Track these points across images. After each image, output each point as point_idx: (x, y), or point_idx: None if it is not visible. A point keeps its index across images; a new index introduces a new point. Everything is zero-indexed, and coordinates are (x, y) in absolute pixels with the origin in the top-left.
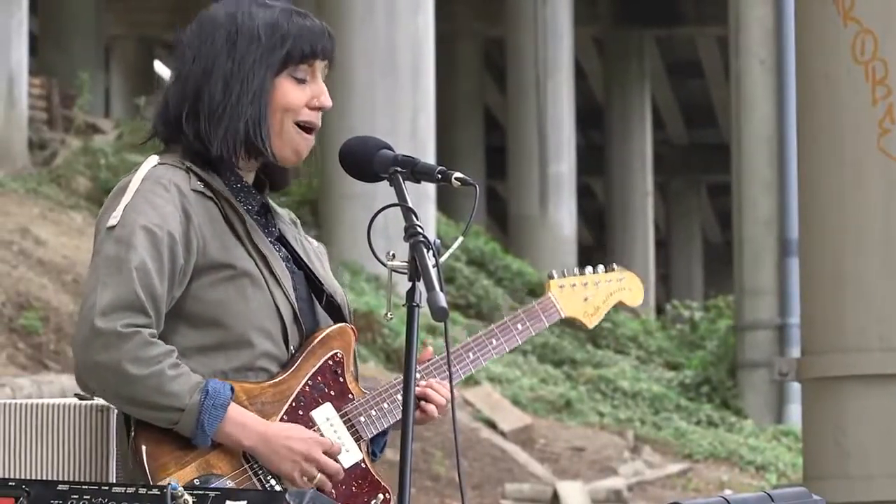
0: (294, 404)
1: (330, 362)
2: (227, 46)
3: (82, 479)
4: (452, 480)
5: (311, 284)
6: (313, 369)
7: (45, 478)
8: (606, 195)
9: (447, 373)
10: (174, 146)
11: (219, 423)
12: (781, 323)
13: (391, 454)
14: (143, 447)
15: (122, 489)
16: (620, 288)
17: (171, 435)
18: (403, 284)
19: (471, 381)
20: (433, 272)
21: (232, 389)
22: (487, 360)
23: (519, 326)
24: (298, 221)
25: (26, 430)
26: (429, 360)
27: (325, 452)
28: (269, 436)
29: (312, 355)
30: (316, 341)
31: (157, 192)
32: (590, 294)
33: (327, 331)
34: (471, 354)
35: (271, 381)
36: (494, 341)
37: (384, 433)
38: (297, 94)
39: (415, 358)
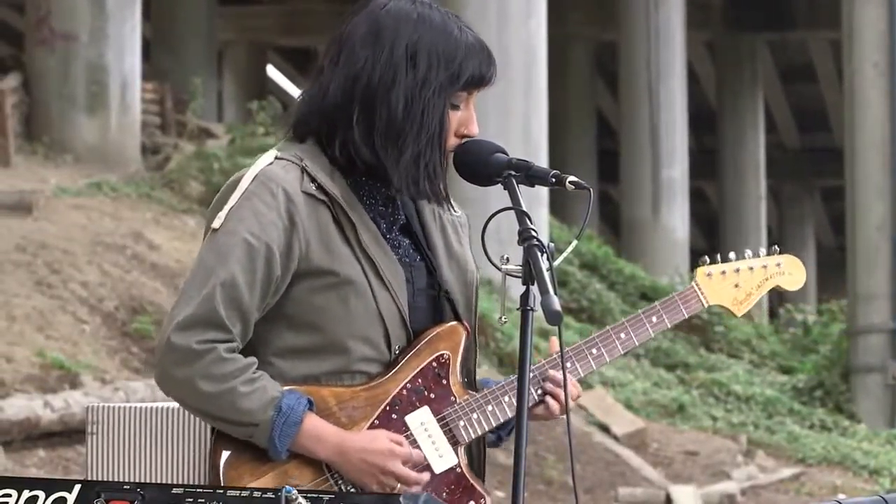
0: (388, 408)
1: (434, 364)
2: (406, 62)
3: (196, 483)
4: (565, 484)
5: (433, 274)
6: (414, 372)
7: (159, 481)
8: (719, 199)
9: (572, 367)
10: (306, 138)
11: (291, 440)
12: (895, 327)
13: (504, 458)
14: (223, 454)
15: (237, 493)
16: (778, 272)
17: (251, 444)
18: (517, 288)
19: (584, 385)
20: (547, 276)
21: (310, 403)
22: (615, 356)
23: (654, 319)
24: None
25: (140, 434)
26: (555, 353)
27: (404, 463)
28: (345, 448)
29: (416, 357)
30: (423, 342)
31: (262, 196)
32: (741, 280)
33: (436, 330)
34: (594, 350)
35: (367, 385)
36: (623, 335)
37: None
38: (451, 122)
39: (529, 361)
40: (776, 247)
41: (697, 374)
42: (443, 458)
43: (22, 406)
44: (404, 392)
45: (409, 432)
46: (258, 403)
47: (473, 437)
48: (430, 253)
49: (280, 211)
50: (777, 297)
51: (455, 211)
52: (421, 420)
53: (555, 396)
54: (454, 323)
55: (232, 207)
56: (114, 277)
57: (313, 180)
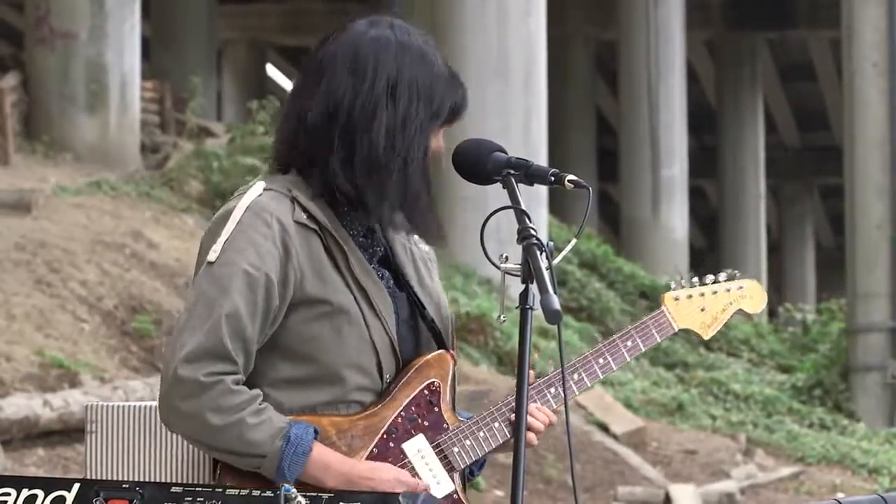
0: (385, 436)
1: (426, 392)
2: (387, 96)
3: (195, 482)
4: (564, 483)
5: (414, 305)
6: (408, 399)
7: (158, 480)
8: (719, 198)
9: (548, 395)
10: (289, 168)
11: (300, 469)
12: (894, 326)
13: (503, 457)
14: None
15: (236, 492)
16: (741, 296)
17: (255, 475)
18: (516, 287)
19: None
20: (546, 274)
21: (316, 432)
22: (594, 381)
23: (629, 343)
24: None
25: (140, 433)
26: (531, 385)
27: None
28: (352, 476)
29: (408, 385)
30: (413, 370)
31: (257, 227)
32: (707, 304)
33: (425, 358)
34: (576, 376)
35: (363, 413)
36: (602, 360)
37: None
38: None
39: (528, 359)
40: (736, 272)
41: (696, 372)
42: (440, 484)
43: (21, 405)
44: (399, 420)
45: (406, 460)
46: (266, 434)
47: (468, 462)
48: (411, 283)
49: (276, 241)
50: (777, 297)
51: (423, 246)
52: (417, 447)
53: (527, 427)
54: (441, 351)
55: (227, 239)
56: (113, 276)
57: (304, 210)
